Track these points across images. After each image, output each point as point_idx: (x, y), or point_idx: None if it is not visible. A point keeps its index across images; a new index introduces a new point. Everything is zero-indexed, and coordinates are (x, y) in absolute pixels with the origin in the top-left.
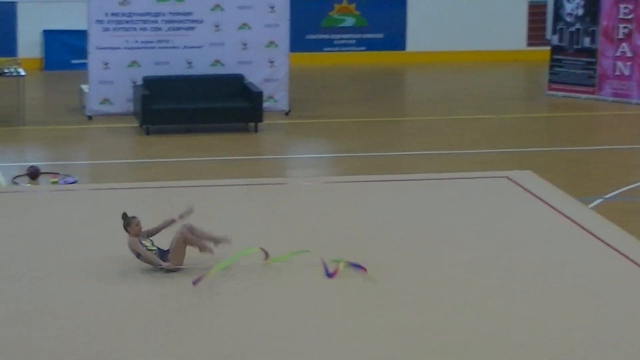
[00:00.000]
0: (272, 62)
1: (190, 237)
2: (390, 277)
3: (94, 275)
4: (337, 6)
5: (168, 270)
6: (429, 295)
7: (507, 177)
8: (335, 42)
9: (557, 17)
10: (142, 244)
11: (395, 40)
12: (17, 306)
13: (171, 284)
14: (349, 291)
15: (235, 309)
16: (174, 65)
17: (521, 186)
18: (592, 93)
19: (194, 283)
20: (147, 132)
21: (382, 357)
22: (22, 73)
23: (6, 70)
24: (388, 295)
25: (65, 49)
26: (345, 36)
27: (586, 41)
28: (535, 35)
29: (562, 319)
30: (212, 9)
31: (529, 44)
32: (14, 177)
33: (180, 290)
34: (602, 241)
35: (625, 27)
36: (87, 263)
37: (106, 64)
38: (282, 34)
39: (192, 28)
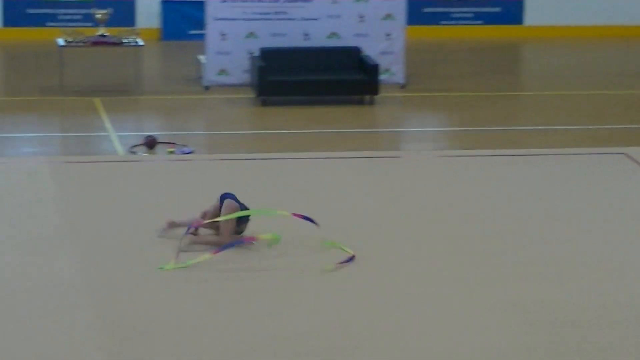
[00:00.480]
0: (388, 34)
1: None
2: (510, 251)
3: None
4: None
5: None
6: (551, 269)
7: (625, 153)
8: (452, 15)
9: None
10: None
11: (513, 14)
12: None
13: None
14: (471, 264)
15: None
16: (291, 36)
17: (639, 163)
18: None
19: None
20: (263, 104)
21: (504, 330)
22: (141, 43)
23: (125, 40)
24: (510, 269)
25: (183, 20)
26: (463, 9)
27: None
28: None
29: None
30: None
31: None
32: (132, 147)
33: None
34: None
35: None
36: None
37: (224, 35)
38: (400, 6)
39: (309, 0)
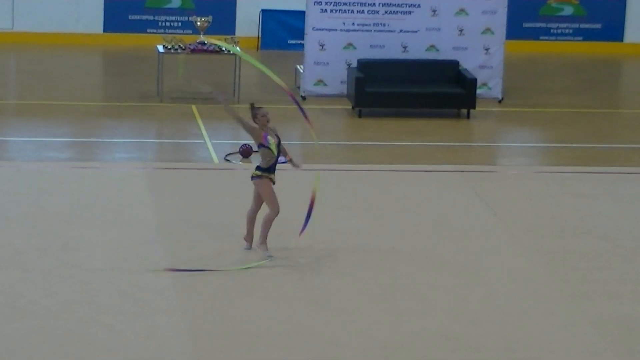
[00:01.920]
0: (487, 49)
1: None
2: (604, 267)
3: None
4: None
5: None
6: None
7: None
8: (552, 30)
9: None
10: (266, 136)
11: (614, 30)
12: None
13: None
14: (562, 280)
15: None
16: (389, 48)
17: None
18: None
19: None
20: (360, 115)
21: (601, 346)
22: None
23: (224, 48)
24: (603, 285)
25: (282, 29)
26: (563, 25)
27: None
28: None
29: None
30: None
31: None
32: (227, 155)
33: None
34: None
35: None
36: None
37: (322, 45)
38: (499, 20)
39: (409, 12)
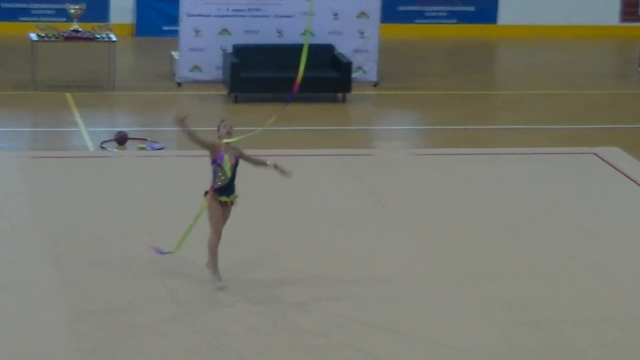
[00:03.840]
0: (362, 32)
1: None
2: (484, 250)
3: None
4: None
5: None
6: (525, 269)
7: (595, 153)
8: (426, 13)
9: None
10: (222, 155)
11: (487, 13)
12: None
13: None
14: (448, 264)
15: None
16: (264, 34)
17: (609, 163)
18: None
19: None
20: (236, 100)
21: (482, 328)
22: (114, 38)
23: (98, 36)
24: (480, 267)
25: (157, 15)
26: (437, 8)
27: None
28: (629, 11)
29: None
30: None
31: (623, 20)
32: (102, 142)
33: None
34: None
35: None
36: (174, 227)
37: (197, 31)
38: (374, 4)
39: None
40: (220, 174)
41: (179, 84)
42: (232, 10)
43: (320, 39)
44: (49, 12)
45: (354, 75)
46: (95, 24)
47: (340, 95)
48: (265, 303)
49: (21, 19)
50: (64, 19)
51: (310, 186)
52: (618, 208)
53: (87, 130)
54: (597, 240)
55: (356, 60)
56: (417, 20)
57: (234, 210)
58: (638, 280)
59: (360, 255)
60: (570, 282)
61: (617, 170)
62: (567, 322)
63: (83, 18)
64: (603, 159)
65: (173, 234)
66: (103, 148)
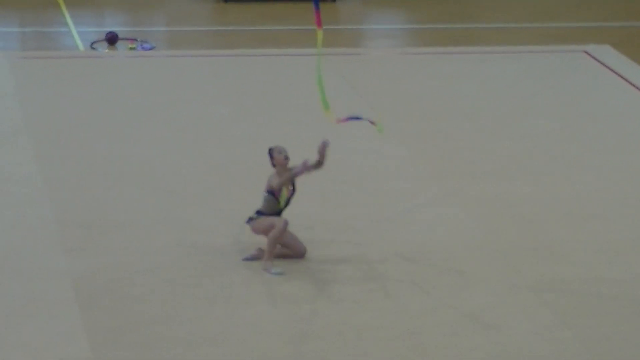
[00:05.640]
0: None
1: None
2: (469, 148)
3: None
4: None
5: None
6: (510, 166)
7: (584, 51)
8: None
9: None
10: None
11: None
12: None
13: None
14: (431, 161)
15: None
16: None
17: (599, 61)
18: None
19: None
20: (225, 0)
21: (465, 224)
22: None
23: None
24: (466, 165)
25: None
26: None
27: None
28: None
29: (636, 191)
30: None
31: None
32: (92, 43)
33: None
34: None
35: None
36: (166, 129)
37: None
38: None
39: None
40: (272, 204)
41: None
42: None
43: None
44: None
45: None
46: None
47: None
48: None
49: None
50: None
51: (297, 85)
52: (606, 106)
53: (76, 31)
54: (583, 137)
55: None
56: None
57: (230, 105)
58: (621, 177)
59: (347, 156)
60: (554, 179)
61: (607, 67)
62: (550, 218)
63: None
64: (593, 57)
65: (164, 138)
66: (93, 48)
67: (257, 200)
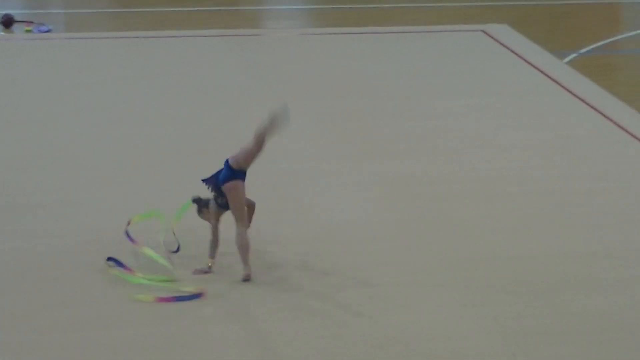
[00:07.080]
0: None
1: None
2: (380, 126)
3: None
4: None
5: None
6: (412, 144)
7: (483, 30)
8: None
9: None
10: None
11: None
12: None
13: None
14: (333, 140)
15: None
16: None
17: (497, 40)
18: None
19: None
20: None
21: (377, 204)
22: None
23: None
24: (380, 144)
25: None
26: None
27: None
28: None
29: (542, 168)
30: None
31: None
32: None
33: None
34: (575, 95)
35: None
36: (75, 111)
37: None
38: None
39: None
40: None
41: None
42: None
43: None
44: None
45: None
46: None
47: None
48: None
49: None
50: None
51: (195, 66)
52: (505, 83)
53: None
54: (484, 114)
55: None
56: None
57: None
58: (523, 152)
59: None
60: (465, 157)
61: (505, 46)
62: (461, 196)
63: None
64: (491, 36)
65: (61, 121)
66: None
67: (176, 182)
